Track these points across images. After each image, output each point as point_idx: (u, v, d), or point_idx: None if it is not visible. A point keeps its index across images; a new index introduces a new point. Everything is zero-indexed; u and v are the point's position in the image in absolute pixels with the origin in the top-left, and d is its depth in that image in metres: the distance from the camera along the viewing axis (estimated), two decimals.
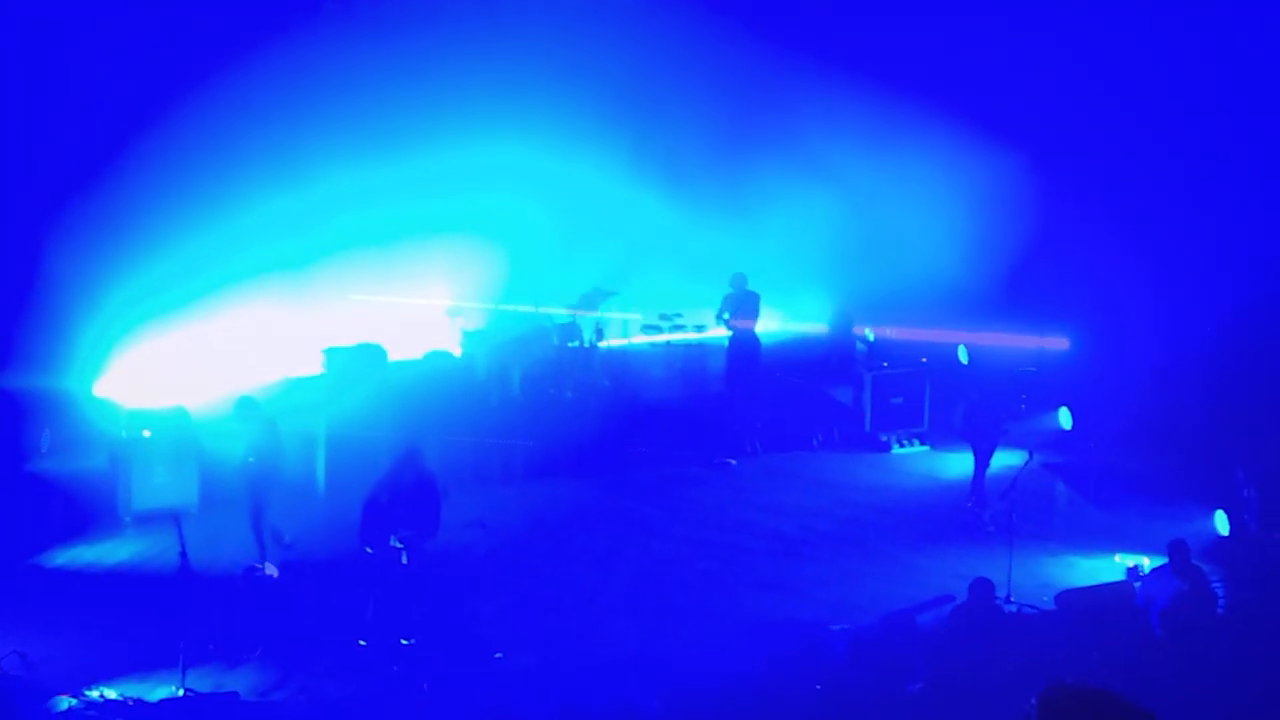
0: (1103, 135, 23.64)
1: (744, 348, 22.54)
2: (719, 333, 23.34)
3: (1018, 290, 22.59)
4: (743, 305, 22.49)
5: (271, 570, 17.10)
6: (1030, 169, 23.37)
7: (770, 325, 23.80)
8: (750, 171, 24.58)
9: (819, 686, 14.38)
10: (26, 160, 20.45)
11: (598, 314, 23.37)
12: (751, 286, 22.61)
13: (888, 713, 13.99)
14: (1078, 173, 23.69)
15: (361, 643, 15.73)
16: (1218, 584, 16.64)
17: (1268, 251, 22.26)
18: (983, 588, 15.37)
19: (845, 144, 23.82)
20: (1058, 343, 22.40)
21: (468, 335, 23.18)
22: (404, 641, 15.66)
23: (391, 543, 15.70)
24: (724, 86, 24.22)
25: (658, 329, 24.10)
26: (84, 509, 18.60)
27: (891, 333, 22.23)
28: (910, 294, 22.20)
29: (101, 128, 20.60)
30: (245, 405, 17.72)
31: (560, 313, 23.25)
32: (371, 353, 21.14)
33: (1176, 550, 15.93)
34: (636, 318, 24.55)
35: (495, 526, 17.89)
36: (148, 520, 18.32)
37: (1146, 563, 17.30)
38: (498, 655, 15.52)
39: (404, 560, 15.79)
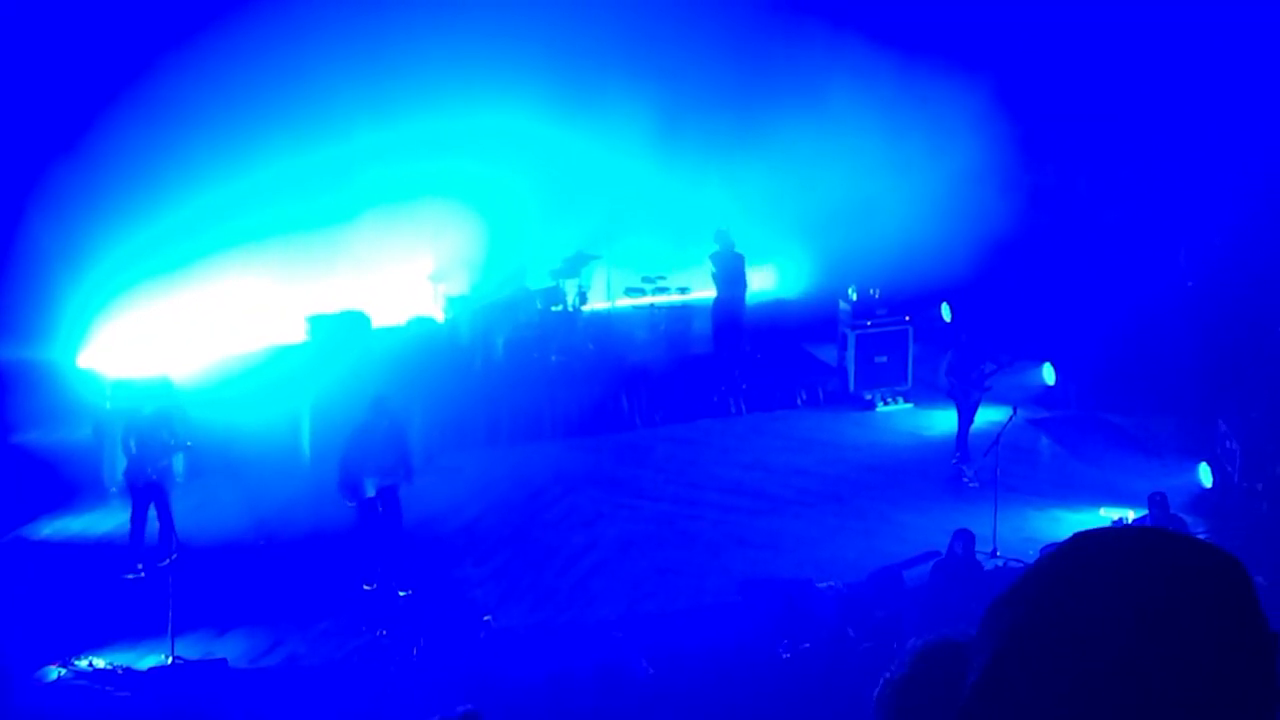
0: (1086, 87, 23.63)
1: (729, 310, 22.56)
2: (702, 294, 23.35)
3: (1006, 251, 22.57)
4: (729, 268, 22.49)
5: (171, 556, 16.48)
6: (1015, 122, 23.37)
7: (756, 286, 23.80)
8: (735, 131, 24.51)
9: (807, 645, 14.45)
10: (7, 126, 20.34)
11: (580, 277, 23.33)
12: (735, 245, 22.70)
13: (876, 668, 14.06)
14: (1061, 125, 23.69)
15: (367, 586, 15.94)
16: (1201, 536, 16.72)
17: (1248, 205, 22.28)
18: (964, 539, 15.49)
19: (832, 102, 23.76)
20: None
21: (451, 301, 23.15)
22: (401, 594, 15.85)
23: (368, 491, 15.86)
24: (707, 44, 24.13)
25: (641, 292, 24.09)
26: (69, 479, 18.58)
27: (875, 294, 22.24)
28: (896, 254, 22.20)
29: (83, 97, 20.50)
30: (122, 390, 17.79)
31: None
32: (355, 320, 21.12)
33: (1156, 503, 16.02)
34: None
35: (483, 491, 17.96)
36: None
37: (1131, 515, 17.38)
38: (487, 618, 15.57)
39: (380, 509, 15.97)
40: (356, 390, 19.19)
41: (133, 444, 16.54)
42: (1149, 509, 16.00)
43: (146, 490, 16.45)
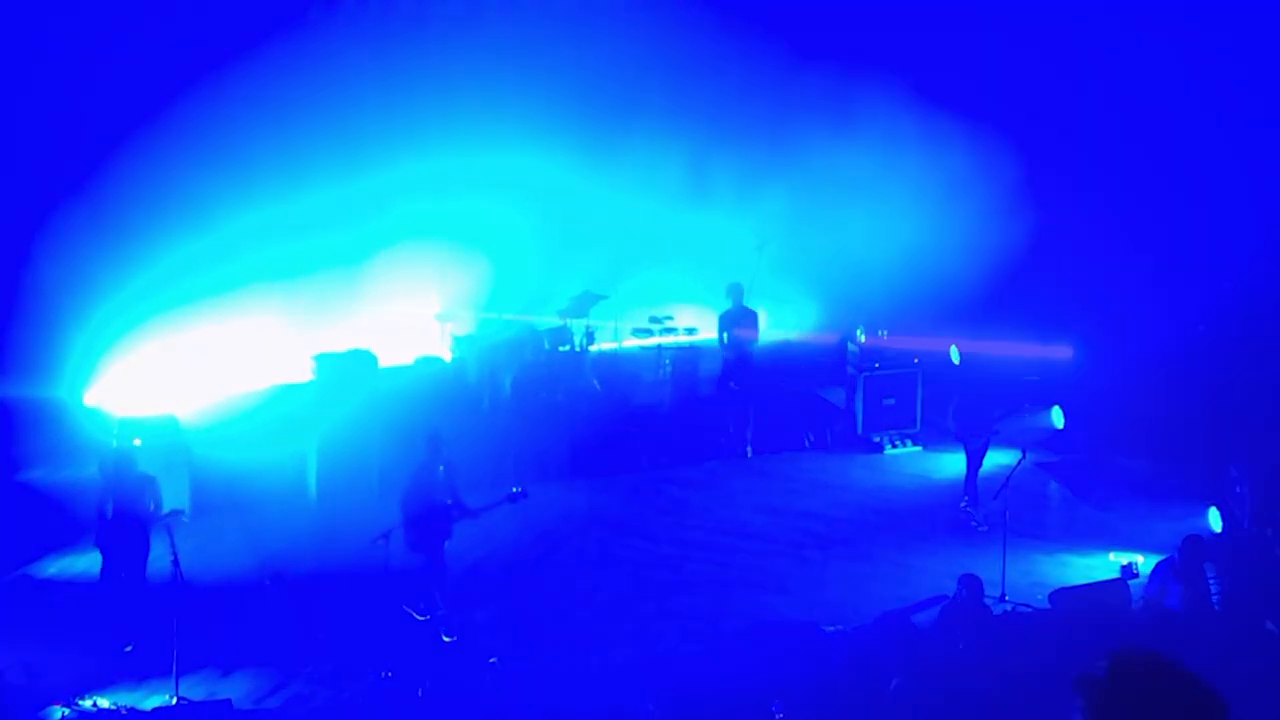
0: (1094, 129, 23.66)
1: (738, 358, 22.26)
2: (710, 335, 23.29)
3: (1015, 291, 22.56)
4: (740, 324, 22.17)
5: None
6: (1024, 165, 23.39)
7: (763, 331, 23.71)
8: (745, 171, 24.58)
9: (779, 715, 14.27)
10: (14, 162, 20.39)
11: (588, 317, 23.32)
12: (743, 291, 22.55)
13: (882, 713, 13.97)
14: (1070, 167, 23.71)
15: (447, 638, 15.82)
16: (1212, 580, 16.63)
17: (1258, 247, 22.27)
18: (971, 583, 15.37)
19: (840, 140, 23.80)
20: (1060, 351, 22.35)
21: (458, 340, 23.13)
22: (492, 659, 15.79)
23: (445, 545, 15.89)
24: (722, 83, 24.20)
25: (648, 332, 24.06)
26: (75, 518, 18.50)
27: (884, 336, 22.20)
28: (906, 298, 22.19)
29: (91, 134, 20.55)
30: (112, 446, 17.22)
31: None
32: (362, 359, 21.10)
33: (1189, 546, 15.69)
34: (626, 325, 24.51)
35: (489, 532, 17.88)
36: None
37: (1140, 560, 17.30)
38: (492, 660, 15.49)
39: (446, 546, 15.93)
40: (363, 431, 19.18)
41: (109, 508, 15.98)
42: (1180, 553, 15.64)
43: (123, 551, 16.02)
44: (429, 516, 15.87)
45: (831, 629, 15.98)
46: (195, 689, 14.85)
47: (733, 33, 23.85)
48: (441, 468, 16.06)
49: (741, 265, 23.90)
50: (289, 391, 21.63)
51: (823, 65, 23.99)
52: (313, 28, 22.22)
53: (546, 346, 22.66)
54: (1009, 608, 16.69)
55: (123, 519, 15.90)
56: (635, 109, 23.66)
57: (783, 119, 24.59)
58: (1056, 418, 22.03)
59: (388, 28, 22.89)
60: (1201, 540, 15.93)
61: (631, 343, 24.57)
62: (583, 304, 23.32)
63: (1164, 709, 3.28)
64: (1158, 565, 16.13)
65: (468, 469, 19.69)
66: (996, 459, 19.46)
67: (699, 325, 23.92)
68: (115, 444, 18.79)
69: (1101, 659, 3.61)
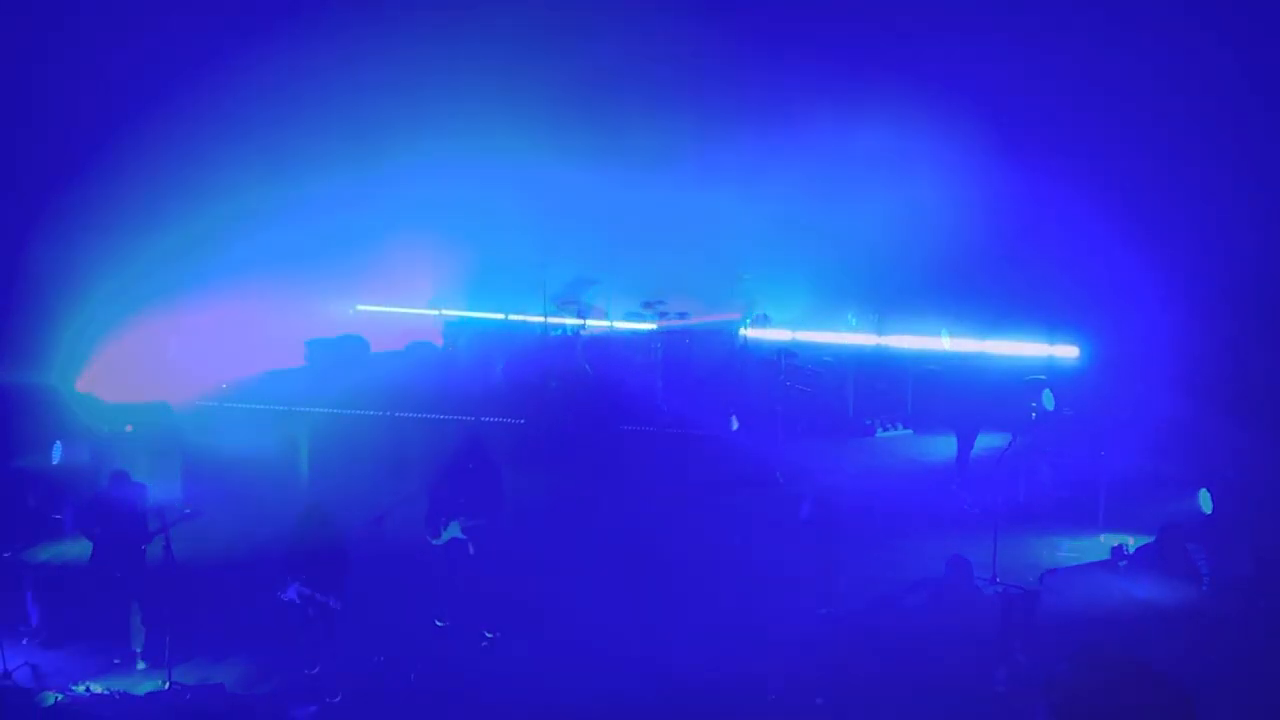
0: (1098, 124, 23.69)
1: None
2: (700, 319, 23.32)
3: (1018, 289, 22.62)
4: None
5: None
6: (1022, 151, 23.43)
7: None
8: (741, 156, 24.59)
9: (819, 701, 14.32)
10: (7, 150, 20.39)
11: (580, 302, 23.34)
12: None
13: (878, 697, 14.04)
14: (1075, 162, 23.75)
15: (440, 623, 15.81)
16: (1202, 563, 16.70)
17: (1259, 239, 22.31)
18: (960, 564, 15.47)
19: (841, 129, 23.82)
20: (1067, 350, 22.39)
21: (450, 325, 23.15)
22: (488, 635, 15.73)
23: (453, 532, 15.79)
24: (707, 69, 24.21)
25: (641, 316, 24.09)
26: (68, 503, 18.52)
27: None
28: (910, 293, 22.25)
29: (83, 123, 20.57)
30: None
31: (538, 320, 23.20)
32: (354, 344, 21.11)
33: (1167, 533, 15.94)
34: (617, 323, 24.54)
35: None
36: None
37: (1131, 542, 17.36)
38: (484, 644, 15.54)
39: (471, 551, 15.86)
40: (356, 415, 19.17)
41: (100, 525, 15.69)
42: (1159, 539, 15.89)
43: (117, 561, 15.70)
44: (452, 514, 15.88)
45: (824, 612, 16.03)
46: (189, 674, 14.88)
47: (732, 18, 23.85)
48: (476, 468, 16.07)
49: (737, 256, 23.88)
50: (281, 377, 21.64)
51: (825, 50, 23.97)
52: (307, 18, 22.20)
53: (539, 331, 22.69)
54: (1000, 589, 16.74)
55: (117, 533, 15.85)
56: (632, 95, 23.64)
57: (782, 104, 24.58)
58: (1047, 400, 22.06)
59: (382, 16, 22.87)
60: (1179, 527, 16.08)
61: (623, 326, 24.60)
62: (575, 289, 23.34)
63: (1129, 707, 3.38)
64: (1137, 550, 16.33)
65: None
66: (988, 442, 19.49)
67: (690, 310, 23.93)
68: (107, 430, 18.82)
69: (1063, 661, 3.75)
